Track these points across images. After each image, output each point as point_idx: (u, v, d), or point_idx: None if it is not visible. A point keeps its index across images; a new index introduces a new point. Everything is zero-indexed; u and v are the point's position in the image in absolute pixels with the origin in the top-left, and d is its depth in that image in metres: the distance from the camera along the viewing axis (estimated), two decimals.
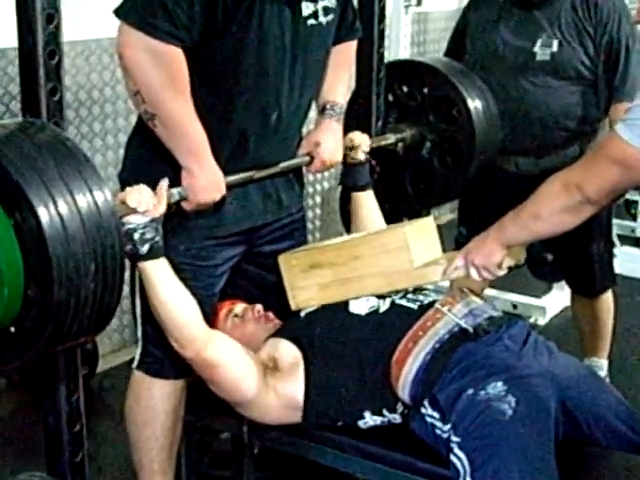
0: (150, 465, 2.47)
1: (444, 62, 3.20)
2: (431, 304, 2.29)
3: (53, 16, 1.89)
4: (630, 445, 2.16)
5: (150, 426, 2.44)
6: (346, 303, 2.35)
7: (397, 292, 2.35)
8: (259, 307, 2.48)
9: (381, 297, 2.34)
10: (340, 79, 2.65)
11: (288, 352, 2.28)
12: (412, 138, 3.10)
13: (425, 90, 3.10)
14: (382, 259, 2.35)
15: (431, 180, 3.14)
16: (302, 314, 2.40)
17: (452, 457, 2.03)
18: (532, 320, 4.17)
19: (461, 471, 2.01)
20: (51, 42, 1.90)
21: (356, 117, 3.11)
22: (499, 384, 2.06)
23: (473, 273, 2.27)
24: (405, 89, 3.17)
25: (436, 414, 2.12)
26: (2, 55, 3.15)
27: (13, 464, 2.96)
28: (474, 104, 3.01)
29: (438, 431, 2.11)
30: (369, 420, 2.24)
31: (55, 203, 1.65)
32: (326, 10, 2.40)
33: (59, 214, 1.65)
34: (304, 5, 2.32)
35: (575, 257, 3.33)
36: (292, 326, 2.38)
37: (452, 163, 3.10)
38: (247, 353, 2.24)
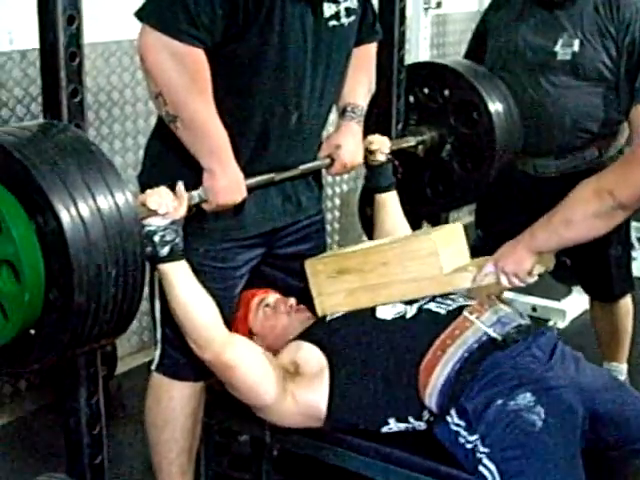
0: (169, 467, 2.47)
1: (465, 64, 3.19)
2: (459, 309, 2.27)
3: (74, 17, 1.90)
4: None
5: (169, 428, 2.44)
6: (373, 308, 2.34)
7: (424, 297, 2.33)
8: (292, 301, 2.47)
9: (408, 302, 2.33)
10: (360, 81, 2.64)
11: (312, 357, 2.26)
12: (432, 140, 3.09)
13: (446, 92, 3.09)
14: (410, 265, 2.34)
15: (450, 183, 3.13)
16: (328, 319, 2.39)
17: (481, 468, 2.02)
18: (551, 323, 4.15)
19: None
20: (72, 43, 1.91)
21: (376, 119, 3.11)
22: (528, 395, 2.05)
23: (503, 280, 2.25)
24: (426, 91, 3.16)
25: (462, 423, 2.10)
26: (22, 56, 3.16)
27: (33, 465, 2.97)
28: (495, 107, 3.00)
29: (462, 440, 2.09)
30: (393, 426, 2.22)
31: (77, 206, 1.65)
32: (348, 11, 2.38)
33: (81, 217, 1.65)
34: (326, 6, 2.31)
35: (593, 261, 3.30)
36: (317, 330, 2.36)
37: (472, 166, 3.09)
38: (267, 357, 2.23)
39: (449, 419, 2.13)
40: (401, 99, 3.11)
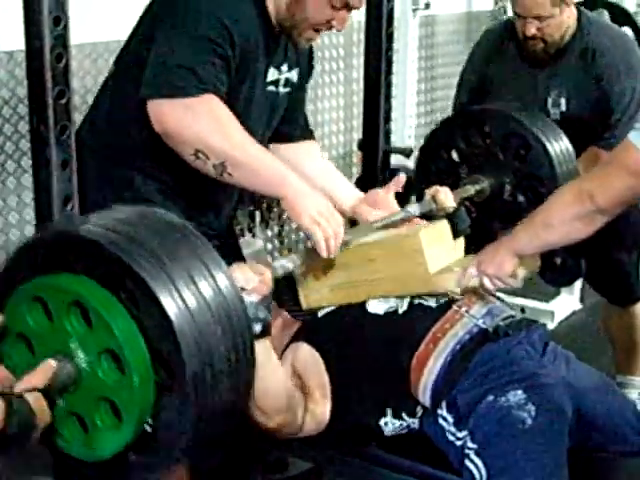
0: None
1: (499, 105, 3.14)
2: (449, 302, 2.27)
3: (60, 19, 1.88)
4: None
5: None
6: (363, 302, 2.32)
7: None
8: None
9: (399, 296, 2.32)
10: (340, 178, 2.66)
11: (310, 362, 2.23)
12: (491, 185, 3.01)
13: (490, 133, 3.02)
14: (396, 263, 2.33)
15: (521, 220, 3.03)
16: (320, 314, 2.37)
17: (467, 462, 2.03)
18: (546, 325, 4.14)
19: (477, 477, 2.01)
20: (58, 45, 1.89)
21: (364, 120, 3.10)
22: (519, 392, 2.05)
23: (486, 282, 2.26)
24: (471, 140, 3.07)
25: (451, 418, 2.10)
26: (10, 58, 3.14)
27: (21, 470, 2.95)
28: (541, 134, 2.93)
29: (450, 436, 2.10)
30: (389, 423, 2.20)
31: (180, 293, 1.54)
32: (287, 82, 2.43)
33: (185, 303, 1.54)
34: (271, 71, 2.36)
35: (609, 265, 3.29)
36: (311, 328, 2.34)
37: (535, 195, 2.98)
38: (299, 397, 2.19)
39: (439, 411, 2.13)
40: (389, 99, 3.10)
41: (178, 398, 1.56)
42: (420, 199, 2.69)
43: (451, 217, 2.62)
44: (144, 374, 1.55)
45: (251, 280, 1.99)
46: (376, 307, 2.31)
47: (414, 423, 2.21)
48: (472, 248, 2.62)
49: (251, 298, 1.94)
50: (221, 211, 2.52)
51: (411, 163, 3.48)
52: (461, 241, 2.51)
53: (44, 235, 1.71)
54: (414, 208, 2.58)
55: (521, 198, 3.00)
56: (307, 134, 2.69)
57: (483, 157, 3.04)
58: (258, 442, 2.40)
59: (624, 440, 2.14)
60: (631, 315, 3.35)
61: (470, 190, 2.97)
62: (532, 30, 3.02)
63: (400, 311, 2.28)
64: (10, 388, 1.53)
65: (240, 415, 1.73)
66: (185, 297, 1.54)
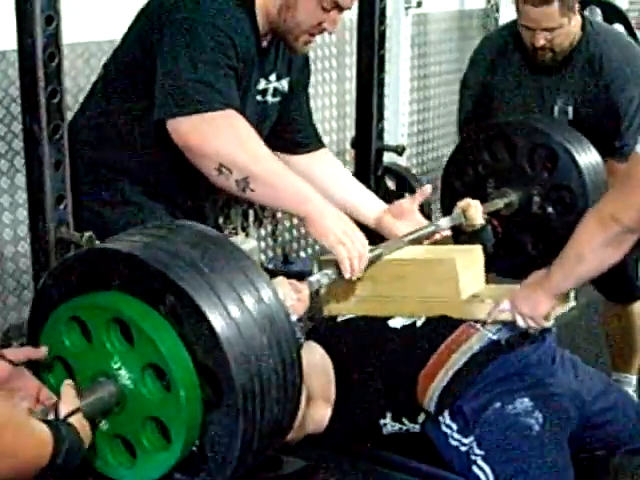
0: None
1: (518, 118, 3.13)
2: None
3: (53, 18, 1.88)
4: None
5: None
6: (386, 317, 2.29)
7: None
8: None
9: None
10: (362, 189, 2.63)
11: (319, 364, 2.21)
12: (519, 198, 2.99)
13: (516, 146, 3.00)
14: (428, 285, 2.28)
15: (551, 233, 2.98)
16: (339, 319, 2.35)
17: (475, 469, 2.03)
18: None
19: None
20: (51, 44, 1.89)
21: (357, 118, 3.10)
22: (526, 400, 2.06)
23: (519, 320, 2.19)
24: (497, 153, 3.05)
25: (454, 425, 2.10)
26: (2, 57, 3.14)
27: None
28: (569, 144, 2.91)
29: (454, 442, 2.09)
30: (389, 424, 2.20)
31: (225, 307, 1.51)
32: (276, 92, 2.42)
33: (230, 316, 1.50)
34: (260, 81, 2.35)
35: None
36: (328, 331, 2.33)
37: (565, 208, 2.97)
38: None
39: (440, 419, 2.13)
40: (382, 98, 3.10)
41: (226, 414, 1.51)
42: (449, 212, 2.66)
43: (478, 234, 2.61)
44: (190, 389, 1.50)
45: (289, 297, 1.96)
46: (396, 322, 2.29)
47: (414, 428, 2.21)
48: (497, 264, 2.63)
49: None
50: (204, 212, 2.51)
51: (403, 161, 3.48)
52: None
53: (77, 255, 1.69)
54: (443, 222, 2.54)
55: (550, 210, 2.98)
56: (318, 142, 2.66)
57: (510, 170, 3.01)
58: None
59: (629, 438, 2.15)
60: (629, 313, 3.35)
61: (499, 204, 2.95)
62: (541, 41, 2.99)
63: (418, 324, 2.26)
64: (55, 413, 1.48)
65: (289, 431, 1.68)
66: (229, 308, 1.50)
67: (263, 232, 4.01)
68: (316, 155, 2.61)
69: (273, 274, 2.37)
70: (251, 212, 3.20)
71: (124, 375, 1.54)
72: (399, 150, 3.40)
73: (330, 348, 2.24)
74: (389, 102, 4.28)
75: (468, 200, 2.64)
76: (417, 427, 2.20)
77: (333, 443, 2.25)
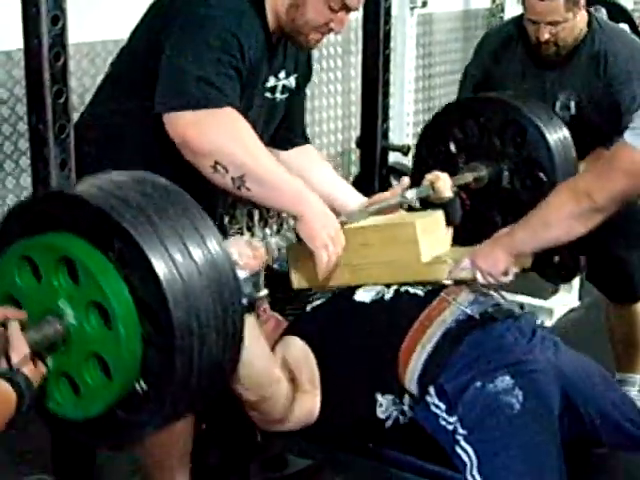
0: (169, 461, 2.44)
1: (496, 93, 3.15)
2: (437, 289, 2.27)
3: (59, 18, 1.89)
4: (636, 444, 2.15)
5: (167, 431, 2.41)
6: (351, 292, 2.32)
7: None
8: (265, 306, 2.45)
9: (387, 284, 2.32)
10: (345, 184, 2.64)
11: (301, 356, 2.22)
12: (489, 172, 2.99)
13: (486, 121, 3.01)
14: (389, 250, 2.34)
15: (520, 207, 2.89)
16: (308, 308, 2.37)
17: (458, 449, 2.02)
18: (538, 322, 4.14)
19: (467, 464, 2.01)
20: (56, 44, 1.90)
21: (362, 117, 3.10)
22: (507, 377, 2.06)
23: (479, 277, 2.26)
24: (467, 129, 3.06)
25: (442, 405, 2.10)
26: (7, 57, 3.15)
27: (20, 466, 2.96)
28: (537, 119, 2.93)
29: (443, 422, 2.08)
30: (383, 402, 2.18)
31: (172, 257, 1.57)
32: (284, 89, 2.44)
33: (176, 266, 1.57)
34: (269, 78, 2.37)
35: (611, 263, 3.27)
36: (301, 322, 2.35)
37: (534, 183, 2.98)
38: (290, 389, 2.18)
39: (429, 399, 2.11)
40: (387, 98, 3.10)
41: (164, 351, 1.57)
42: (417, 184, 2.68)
43: (446, 206, 2.62)
44: (130, 327, 1.57)
45: (244, 255, 2.00)
46: (363, 296, 2.30)
47: (405, 407, 2.19)
48: (465, 237, 2.60)
49: (240, 273, 1.93)
50: (212, 212, 2.52)
51: (409, 161, 3.48)
52: (449, 232, 2.51)
53: (33, 197, 1.77)
54: (411, 194, 2.56)
55: (519, 185, 3.00)
56: (305, 139, 2.69)
57: (480, 145, 3.04)
58: (257, 439, 2.41)
59: (624, 435, 2.14)
60: (632, 313, 3.34)
61: (468, 177, 2.97)
62: (546, 35, 3.01)
63: (386, 297, 2.28)
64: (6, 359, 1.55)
65: (230, 374, 1.74)
66: (171, 252, 1.57)
67: (268, 231, 4.02)
68: (304, 151, 2.64)
69: (278, 274, 2.41)
70: (256, 212, 3.21)
71: (70, 314, 1.61)
72: (404, 150, 3.40)
73: (307, 339, 2.25)
74: (394, 102, 4.28)
75: (437, 172, 2.67)
76: (407, 408, 2.18)
77: (330, 434, 2.26)
